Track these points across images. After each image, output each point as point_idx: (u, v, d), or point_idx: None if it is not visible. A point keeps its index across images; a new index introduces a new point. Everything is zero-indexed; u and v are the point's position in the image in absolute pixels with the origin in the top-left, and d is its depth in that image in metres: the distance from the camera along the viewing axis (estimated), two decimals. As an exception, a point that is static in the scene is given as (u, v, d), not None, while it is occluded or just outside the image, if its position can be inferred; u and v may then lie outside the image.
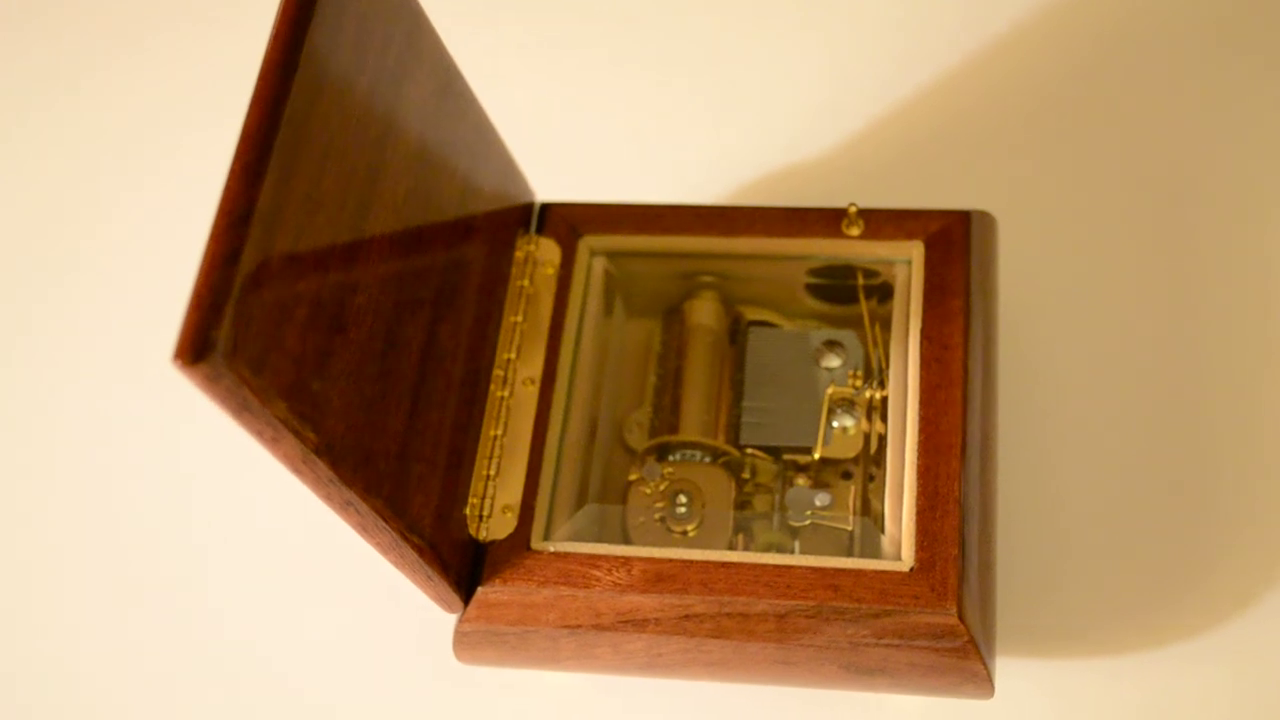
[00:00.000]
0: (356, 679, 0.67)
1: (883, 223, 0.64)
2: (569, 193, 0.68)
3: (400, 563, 0.56)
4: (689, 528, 0.62)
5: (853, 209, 0.64)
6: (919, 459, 0.58)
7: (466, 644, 0.60)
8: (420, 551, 0.56)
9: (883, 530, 0.59)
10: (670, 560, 0.58)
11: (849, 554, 0.60)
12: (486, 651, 0.60)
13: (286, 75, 0.49)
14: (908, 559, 0.56)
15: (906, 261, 0.64)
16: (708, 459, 0.63)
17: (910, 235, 0.64)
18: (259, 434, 0.48)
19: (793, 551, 0.61)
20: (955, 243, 0.63)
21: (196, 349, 0.44)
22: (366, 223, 0.54)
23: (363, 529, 0.54)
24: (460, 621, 0.59)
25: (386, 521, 0.54)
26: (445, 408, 0.60)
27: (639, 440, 0.66)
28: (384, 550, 0.55)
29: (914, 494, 0.58)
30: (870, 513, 0.62)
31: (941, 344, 0.61)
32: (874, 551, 0.59)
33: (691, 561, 0.58)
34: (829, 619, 0.56)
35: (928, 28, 0.79)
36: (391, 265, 0.56)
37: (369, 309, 0.54)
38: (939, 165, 0.75)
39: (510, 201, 0.65)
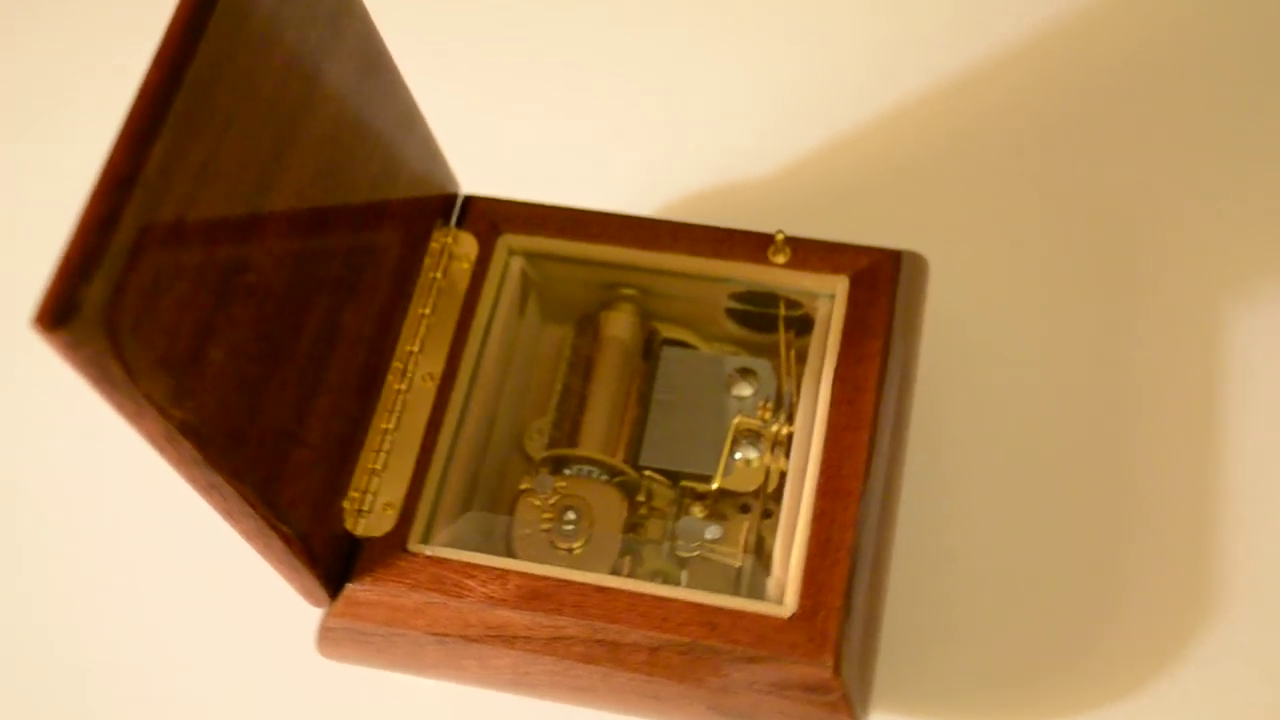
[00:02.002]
0: (218, 666, 0.65)
1: (810, 253, 0.63)
2: (496, 191, 0.66)
3: (266, 551, 0.54)
4: (575, 545, 0.60)
5: (780, 236, 0.62)
6: (816, 502, 0.57)
7: (330, 640, 0.58)
8: (288, 541, 0.54)
9: (770, 571, 0.57)
10: (548, 578, 0.56)
11: (734, 591, 0.58)
12: (350, 650, 0.58)
13: (192, 39, 0.46)
14: (790, 604, 0.55)
15: (830, 296, 0.62)
16: (604, 477, 0.61)
17: (837, 269, 0.62)
18: (120, 408, 0.46)
19: (679, 582, 0.60)
20: (882, 282, 0.62)
21: (58, 313, 0.42)
22: (267, 199, 0.52)
23: (227, 514, 0.52)
24: (326, 617, 0.58)
25: (253, 508, 0.52)
26: (339, 395, 0.58)
27: (537, 449, 0.64)
28: (249, 537, 0.53)
29: (806, 537, 0.56)
30: (762, 551, 0.60)
31: (855, 385, 0.59)
32: (758, 592, 0.57)
33: (569, 582, 0.56)
34: (701, 658, 0.54)
35: (884, 63, 0.78)
36: (291, 245, 0.54)
37: (260, 288, 0.52)
38: (878, 202, 0.73)
39: (431, 191, 0.63)
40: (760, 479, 0.61)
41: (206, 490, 0.50)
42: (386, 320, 0.61)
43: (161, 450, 0.48)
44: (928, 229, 0.72)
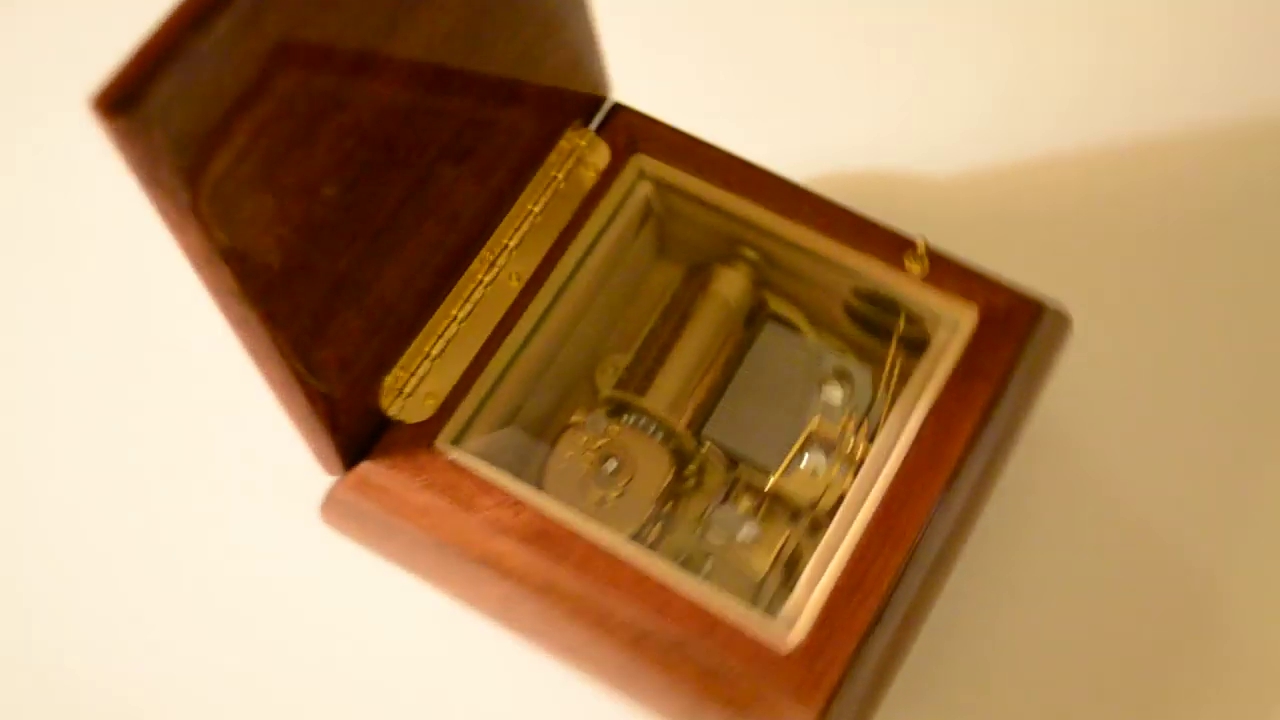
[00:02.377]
0: (218, 521, 0.64)
1: (947, 273, 0.57)
2: (651, 107, 0.61)
3: (287, 404, 0.51)
4: (607, 495, 0.56)
5: (922, 244, 0.57)
6: (863, 537, 0.52)
7: (334, 511, 0.56)
8: (312, 400, 0.51)
9: (792, 592, 0.52)
10: (561, 525, 0.52)
11: (748, 600, 0.54)
12: (351, 526, 0.56)
13: None
14: (798, 635, 0.50)
15: (954, 323, 0.57)
16: (660, 435, 0.57)
17: (970, 297, 0.57)
18: (164, 215, 0.43)
19: (699, 569, 0.56)
20: (1014, 328, 0.56)
21: (118, 100, 0.39)
22: (388, 43, 0.48)
23: (254, 354, 0.49)
24: (335, 486, 0.55)
25: (282, 357, 0.49)
26: (415, 269, 0.54)
27: (605, 385, 0.60)
28: (272, 385, 0.50)
29: (840, 570, 0.52)
30: (795, 568, 0.55)
31: (947, 427, 0.54)
32: (772, 609, 0.53)
33: (581, 535, 0.52)
34: (687, 658, 0.50)
35: (1097, 102, 0.71)
36: (403, 97, 0.50)
37: (355, 132, 0.48)
38: (1041, 240, 0.67)
39: (576, 86, 0.59)
40: (820, 491, 0.57)
41: (237, 324, 0.48)
42: (491, 207, 0.57)
43: (199, 269, 0.45)
44: (1085, 283, 0.66)
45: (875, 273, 0.58)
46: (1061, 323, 0.58)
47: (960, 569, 0.58)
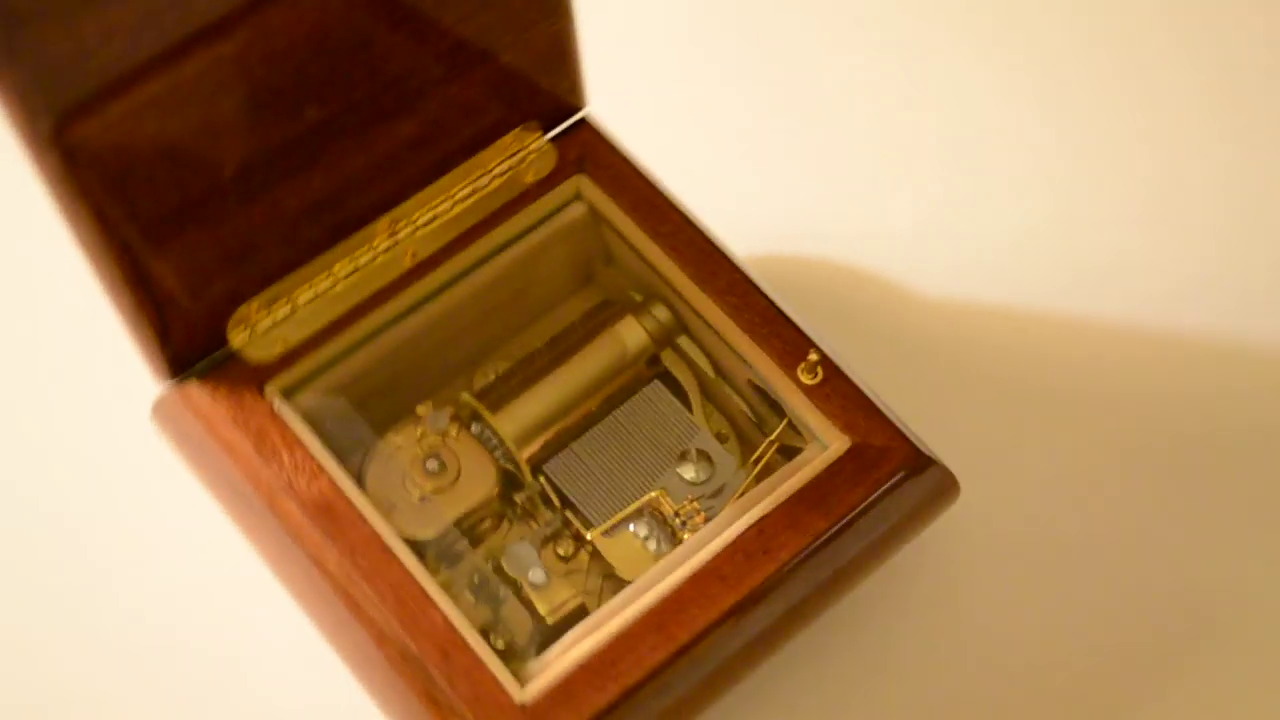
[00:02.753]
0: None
1: (838, 393, 0.54)
2: (637, 134, 0.60)
3: (118, 305, 0.51)
4: (419, 491, 0.55)
5: (813, 358, 0.54)
6: (635, 623, 0.50)
7: (160, 416, 0.55)
8: (140, 302, 0.50)
9: (548, 652, 0.51)
10: (353, 507, 0.51)
11: (507, 643, 0.52)
12: (173, 437, 0.55)
13: None
14: (529, 694, 0.49)
15: (823, 446, 0.54)
16: (499, 456, 0.56)
17: (848, 428, 0.54)
18: None
19: (488, 595, 0.54)
20: (878, 473, 0.53)
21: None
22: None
23: (89, 254, 0.48)
24: (165, 392, 0.55)
25: (113, 254, 0.48)
26: (301, 213, 0.53)
27: (476, 384, 0.59)
28: (105, 286, 0.50)
29: (599, 647, 0.50)
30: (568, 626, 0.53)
31: (766, 547, 0.52)
32: (522, 659, 0.51)
33: (366, 523, 0.51)
34: (420, 673, 0.49)
35: (1131, 281, 0.67)
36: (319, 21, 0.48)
37: (254, 58, 0.47)
38: (999, 399, 0.64)
39: (541, 84, 0.57)
40: (634, 562, 0.55)
41: (71, 218, 0.47)
42: (411, 178, 0.56)
43: (29, 156, 0.45)
44: (1018, 452, 0.63)
45: (764, 367, 0.55)
46: (946, 486, 0.55)
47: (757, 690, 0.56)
